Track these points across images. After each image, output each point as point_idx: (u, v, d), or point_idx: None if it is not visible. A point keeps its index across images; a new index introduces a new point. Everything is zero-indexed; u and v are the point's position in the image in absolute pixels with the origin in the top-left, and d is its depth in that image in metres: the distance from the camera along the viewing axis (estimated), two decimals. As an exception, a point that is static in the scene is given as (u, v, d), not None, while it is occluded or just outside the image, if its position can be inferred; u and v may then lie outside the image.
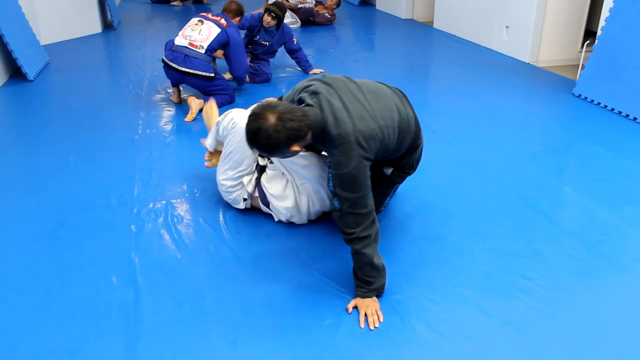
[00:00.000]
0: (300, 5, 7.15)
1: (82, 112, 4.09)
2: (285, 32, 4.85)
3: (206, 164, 2.87)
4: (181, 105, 4.21)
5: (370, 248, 1.97)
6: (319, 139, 1.95)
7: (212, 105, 3.00)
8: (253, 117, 1.87)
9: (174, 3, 8.91)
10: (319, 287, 2.14)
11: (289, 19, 7.10)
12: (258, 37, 4.80)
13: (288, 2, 7.10)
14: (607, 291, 2.12)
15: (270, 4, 4.77)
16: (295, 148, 1.92)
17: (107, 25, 7.21)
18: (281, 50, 5.00)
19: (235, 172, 2.54)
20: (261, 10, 4.82)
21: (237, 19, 4.27)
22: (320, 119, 1.92)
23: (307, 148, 2.38)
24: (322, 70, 5.10)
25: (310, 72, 5.05)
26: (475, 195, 2.82)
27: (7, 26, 4.59)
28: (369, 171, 1.97)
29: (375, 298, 2.02)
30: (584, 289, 2.14)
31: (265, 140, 1.84)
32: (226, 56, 4.14)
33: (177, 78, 4.05)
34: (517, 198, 2.80)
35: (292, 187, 2.48)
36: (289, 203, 2.48)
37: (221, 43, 4.01)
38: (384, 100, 2.07)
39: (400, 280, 2.18)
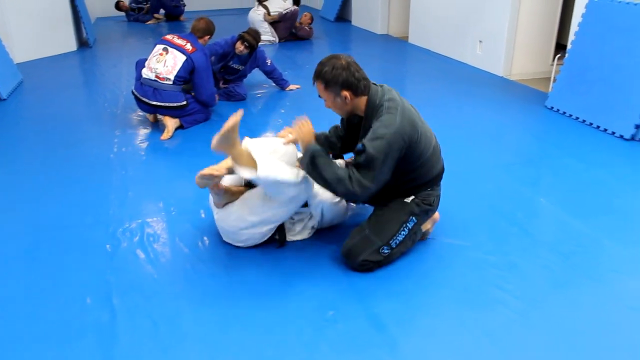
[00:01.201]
0: (284, 11, 7.16)
1: (56, 130, 4.05)
2: (258, 57, 4.79)
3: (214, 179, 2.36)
4: (157, 124, 4.19)
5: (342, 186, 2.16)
6: (371, 109, 2.26)
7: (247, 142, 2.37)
8: (330, 56, 2.25)
9: (149, 22, 8.89)
10: (297, 305, 2.13)
11: (268, 36, 7.12)
12: (231, 62, 4.73)
13: (269, 15, 7.10)
14: (581, 301, 2.15)
15: (244, 32, 4.66)
16: (346, 94, 2.22)
17: (82, 43, 7.17)
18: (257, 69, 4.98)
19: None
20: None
21: (207, 37, 4.10)
22: (379, 94, 2.26)
23: (348, 122, 2.52)
24: (299, 86, 5.12)
25: (287, 89, 5.07)
26: (451, 208, 2.84)
27: (-21, 45, 4.55)
28: (398, 155, 2.18)
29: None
30: (559, 299, 2.16)
31: (329, 70, 2.19)
32: (191, 81, 4.02)
33: (149, 110, 4.02)
34: (492, 210, 2.84)
35: (310, 224, 2.60)
36: (305, 235, 2.60)
37: (188, 71, 3.92)
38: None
39: (380, 294, 2.18)
